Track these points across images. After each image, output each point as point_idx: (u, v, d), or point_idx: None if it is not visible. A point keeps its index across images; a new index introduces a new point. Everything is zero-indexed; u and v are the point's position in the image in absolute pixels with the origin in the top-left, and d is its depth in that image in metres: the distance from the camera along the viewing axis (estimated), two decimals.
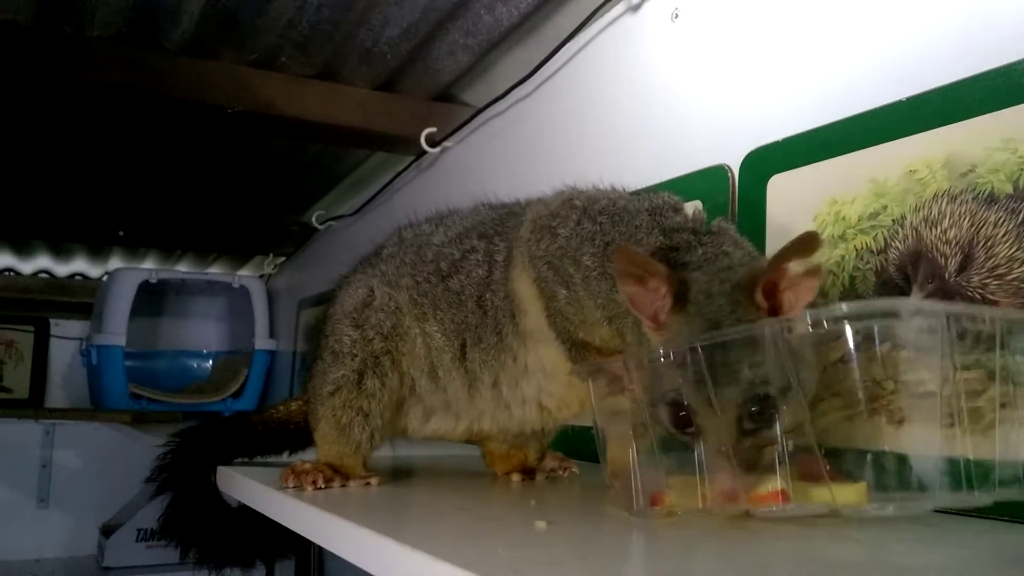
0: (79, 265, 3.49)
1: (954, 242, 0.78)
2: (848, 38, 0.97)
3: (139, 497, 2.65)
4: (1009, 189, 0.74)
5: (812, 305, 0.67)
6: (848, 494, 0.64)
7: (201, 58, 1.77)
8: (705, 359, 0.65)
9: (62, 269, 3.51)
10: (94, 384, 2.85)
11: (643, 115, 1.29)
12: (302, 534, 0.81)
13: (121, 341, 2.71)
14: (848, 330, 0.61)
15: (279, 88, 1.83)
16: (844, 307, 0.61)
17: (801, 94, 1.02)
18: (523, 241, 0.88)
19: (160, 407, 2.73)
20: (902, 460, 0.68)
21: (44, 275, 3.51)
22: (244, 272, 3.51)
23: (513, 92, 1.63)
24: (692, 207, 0.84)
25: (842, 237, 0.89)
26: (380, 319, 0.95)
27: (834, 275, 0.89)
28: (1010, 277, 0.73)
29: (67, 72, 1.67)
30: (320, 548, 1.23)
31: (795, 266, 0.68)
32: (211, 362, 3.30)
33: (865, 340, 0.73)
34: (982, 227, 0.76)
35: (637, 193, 0.91)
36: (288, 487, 0.89)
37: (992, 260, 0.75)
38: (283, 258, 3.22)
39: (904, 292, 0.82)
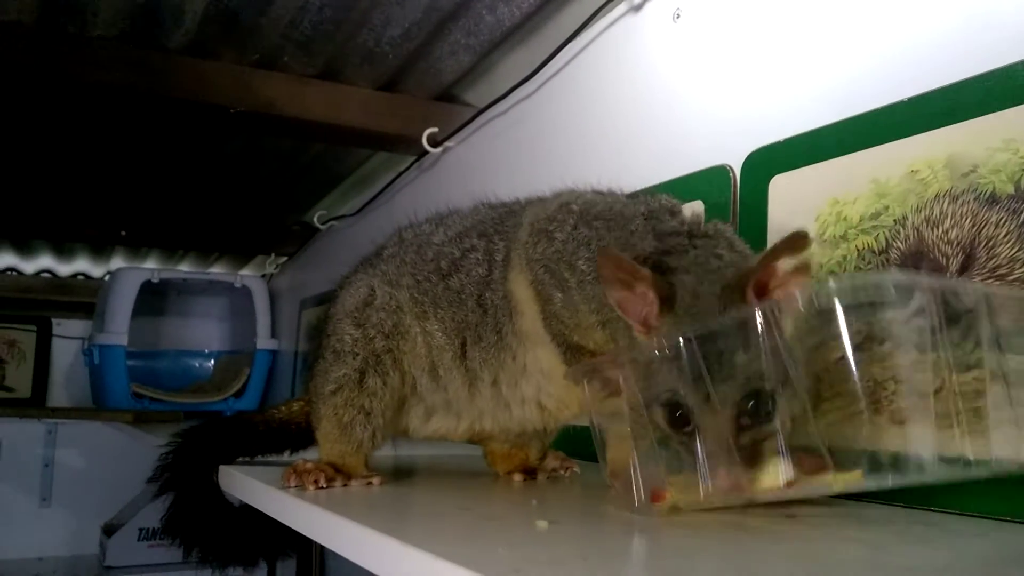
0: (81, 265, 3.50)
1: (956, 243, 0.78)
2: (850, 38, 0.97)
3: (141, 496, 2.65)
4: (1011, 190, 0.74)
5: None
6: (846, 480, 0.66)
7: (203, 58, 1.78)
8: (700, 355, 0.65)
9: (64, 269, 3.51)
10: (96, 383, 2.85)
11: (644, 115, 1.29)
12: (304, 533, 0.81)
13: (123, 341, 2.71)
14: (838, 306, 0.61)
15: (281, 88, 1.83)
16: (832, 283, 0.61)
17: (803, 94, 1.02)
18: (520, 244, 0.88)
19: (162, 407, 2.74)
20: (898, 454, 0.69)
21: (46, 275, 3.52)
22: (246, 272, 3.51)
23: (515, 92, 1.63)
24: (691, 209, 0.85)
25: (844, 237, 0.89)
26: (381, 318, 0.95)
27: (836, 276, 0.89)
28: (1012, 278, 0.73)
29: (70, 72, 1.67)
30: (322, 547, 1.23)
31: (784, 264, 0.68)
32: (213, 362, 3.30)
33: (866, 340, 0.73)
34: (984, 227, 0.76)
35: (635, 196, 0.91)
36: (290, 486, 0.89)
37: (994, 261, 0.75)
38: (285, 258, 3.22)
39: None
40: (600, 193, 0.92)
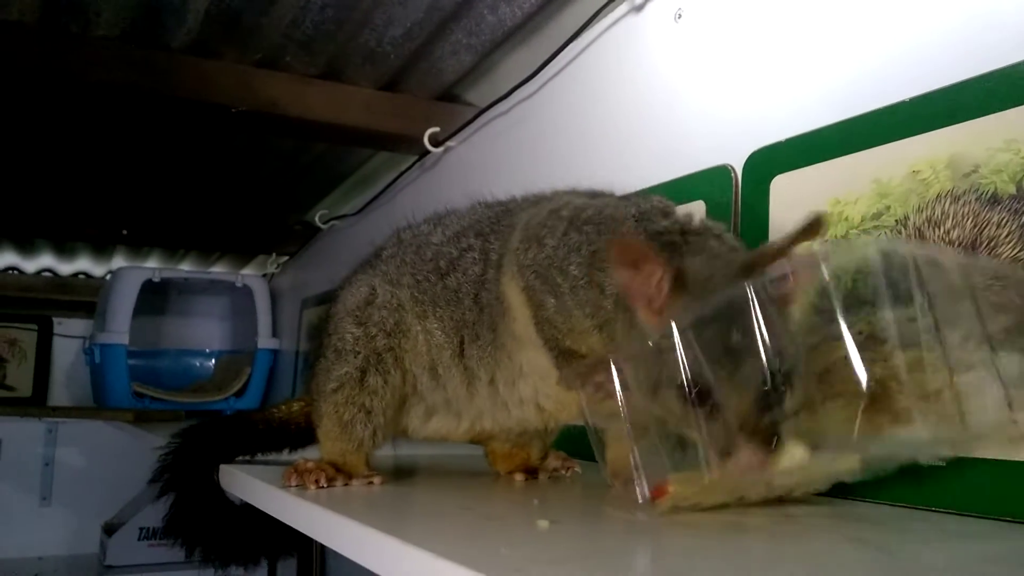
0: (82, 264, 3.50)
1: (957, 243, 0.78)
2: (851, 39, 0.97)
3: (141, 496, 2.65)
4: (1012, 190, 0.74)
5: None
6: (846, 462, 0.68)
7: (205, 58, 1.78)
8: (724, 330, 0.65)
9: (65, 268, 3.51)
10: (97, 382, 2.85)
11: (646, 115, 1.29)
12: (305, 532, 0.81)
13: (124, 340, 2.71)
14: (824, 270, 0.65)
15: (283, 88, 1.83)
16: (817, 247, 0.64)
17: (804, 94, 1.02)
18: (512, 251, 0.88)
19: (163, 406, 2.74)
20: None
21: (47, 274, 3.52)
22: (247, 271, 3.51)
23: (516, 92, 1.63)
24: (684, 210, 0.85)
25: (845, 237, 0.89)
26: (383, 316, 0.96)
27: (838, 276, 0.89)
28: (1014, 278, 0.73)
29: (72, 71, 1.68)
30: (322, 546, 1.23)
31: (801, 249, 0.68)
32: (214, 361, 3.30)
33: (868, 339, 0.73)
34: (985, 228, 0.76)
35: (627, 197, 0.91)
36: (291, 486, 0.89)
37: (995, 261, 0.75)
38: (286, 257, 3.22)
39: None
40: (594, 195, 0.92)
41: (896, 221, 0.84)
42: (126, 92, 1.75)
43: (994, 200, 0.76)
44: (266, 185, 2.73)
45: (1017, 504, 0.70)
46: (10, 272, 3.44)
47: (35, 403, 3.33)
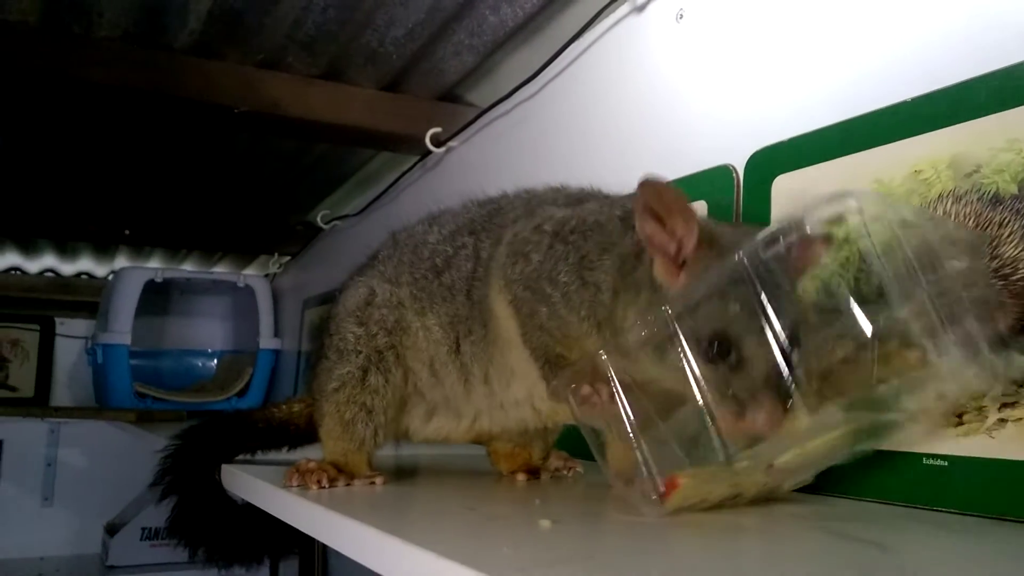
0: (85, 264, 3.51)
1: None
2: (853, 39, 0.97)
3: (143, 496, 2.65)
4: (1014, 190, 0.74)
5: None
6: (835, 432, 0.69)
7: (207, 58, 1.78)
8: (749, 293, 0.66)
9: (68, 268, 3.52)
10: (99, 383, 2.85)
11: (647, 115, 1.29)
12: (307, 532, 0.81)
13: (126, 340, 2.71)
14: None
15: (285, 88, 1.84)
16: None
17: (806, 95, 1.02)
18: (499, 265, 0.89)
19: (165, 406, 2.74)
20: None
21: (50, 274, 3.52)
22: (249, 271, 3.51)
23: (518, 92, 1.63)
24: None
25: (846, 239, 0.89)
26: (383, 314, 0.97)
27: (840, 276, 0.89)
28: (1015, 278, 0.73)
29: (74, 72, 1.68)
30: (324, 546, 1.23)
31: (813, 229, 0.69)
32: (216, 361, 3.30)
33: (871, 339, 0.73)
34: (987, 228, 0.76)
35: (610, 198, 0.91)
36: (293, 486, 0.89)
37: (997, 261, 0.75)
38: (288, 257, 3.22)
39: None
40: (579, 198, 0.92)
41: None
42: (128, 93, 1.75)
43: (996, 200, 0.76)
44: (268, 185, 2.73)
45: (1017, 504, 0.70)
46: (12, 272, 3.44)
47: (37, 403, 3.33)
